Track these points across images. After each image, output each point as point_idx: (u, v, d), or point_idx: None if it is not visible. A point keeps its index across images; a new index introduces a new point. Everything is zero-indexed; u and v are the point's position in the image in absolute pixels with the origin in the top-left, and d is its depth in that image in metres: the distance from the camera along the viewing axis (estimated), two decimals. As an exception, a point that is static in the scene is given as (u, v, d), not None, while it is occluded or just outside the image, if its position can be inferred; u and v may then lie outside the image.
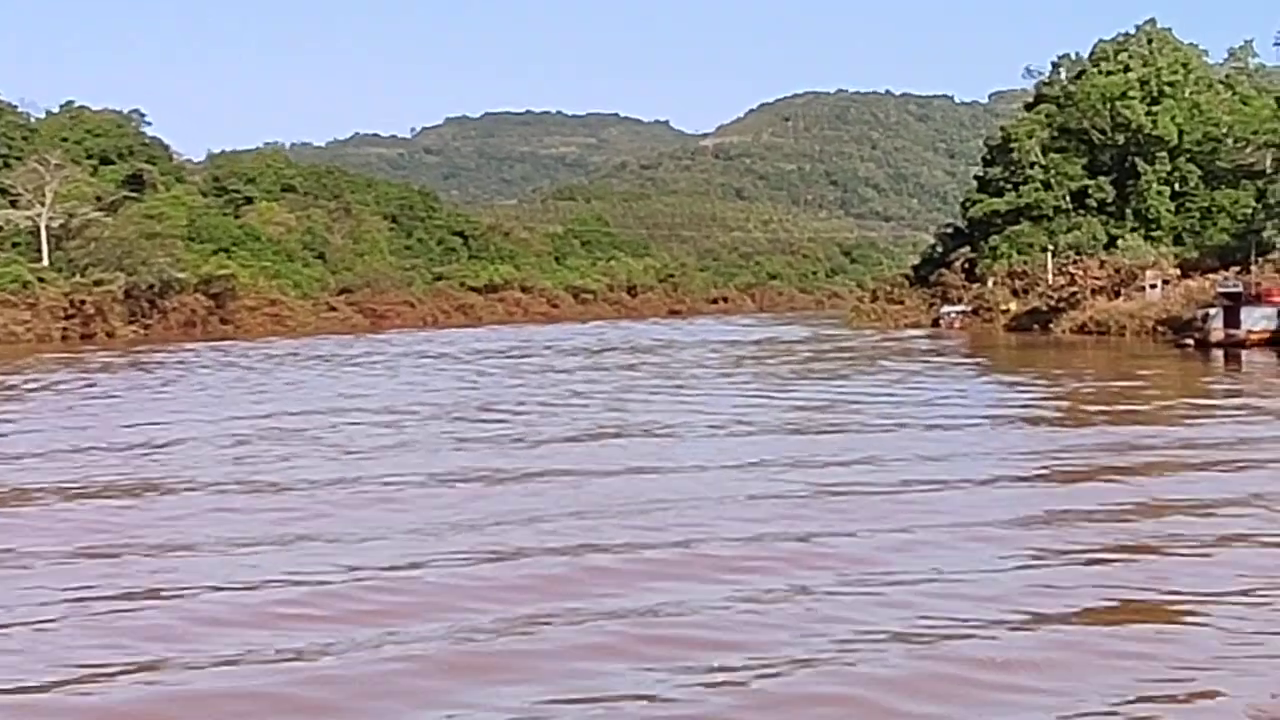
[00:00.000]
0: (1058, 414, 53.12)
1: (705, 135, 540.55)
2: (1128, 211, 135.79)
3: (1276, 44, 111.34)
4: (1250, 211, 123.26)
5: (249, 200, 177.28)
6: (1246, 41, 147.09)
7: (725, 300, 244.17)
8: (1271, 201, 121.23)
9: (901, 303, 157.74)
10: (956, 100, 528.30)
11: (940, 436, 44.71)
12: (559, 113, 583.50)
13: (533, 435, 46.56)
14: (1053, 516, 28.62)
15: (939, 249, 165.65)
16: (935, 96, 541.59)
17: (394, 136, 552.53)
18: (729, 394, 63.00)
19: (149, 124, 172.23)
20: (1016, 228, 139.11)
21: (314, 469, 38.07)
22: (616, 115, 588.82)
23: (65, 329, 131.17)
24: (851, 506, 30.92)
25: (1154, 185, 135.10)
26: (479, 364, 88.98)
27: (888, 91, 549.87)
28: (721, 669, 17.59)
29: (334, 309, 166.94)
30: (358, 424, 51.04)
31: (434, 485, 34.61)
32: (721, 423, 49.58)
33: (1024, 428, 48.65)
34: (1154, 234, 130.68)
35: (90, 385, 73.52)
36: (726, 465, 37.75)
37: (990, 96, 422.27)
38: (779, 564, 24.18)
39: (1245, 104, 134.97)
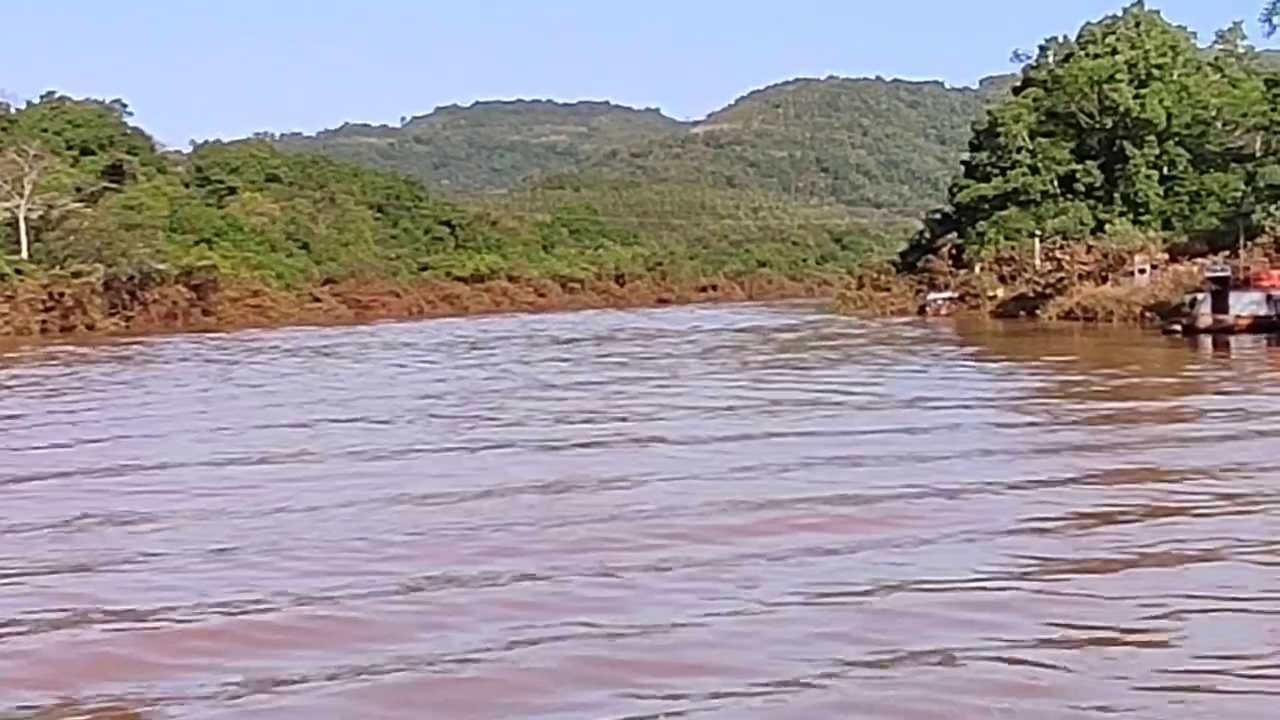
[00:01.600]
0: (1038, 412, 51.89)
1: (696, 123, 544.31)
2: (1116, 196, 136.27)
3: (1263, 21, 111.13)
4: (1239, 195, 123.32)
5: (232, 190, 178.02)
6: (1235, 23, 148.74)
7: (714, 288, 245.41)
8: (1261, 185, 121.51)
9: (888, 289, 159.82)
10: (947, 86, 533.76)
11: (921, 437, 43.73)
12: (549, 101, 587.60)
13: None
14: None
15: (926, 235, 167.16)
16: (926, 83, 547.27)
17: (384, 126, 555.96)
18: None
19: (131, 114, 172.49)
20: (1004, 213, 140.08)
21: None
22: (607, 103, 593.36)
23: (44, 321, 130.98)
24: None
25: (1142, 169, 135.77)
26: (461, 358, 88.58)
27: (878, 78, 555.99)
28: None
29: (318, 300, 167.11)
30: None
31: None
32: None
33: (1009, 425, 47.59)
34: (1142, 218, 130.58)
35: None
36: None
37: (981, 82, 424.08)
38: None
39: (1234, 87, 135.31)
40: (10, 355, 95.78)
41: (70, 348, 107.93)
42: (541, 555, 25.62)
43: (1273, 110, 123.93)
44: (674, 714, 16.57)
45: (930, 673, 18.40)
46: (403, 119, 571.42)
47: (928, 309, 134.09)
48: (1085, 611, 21.54)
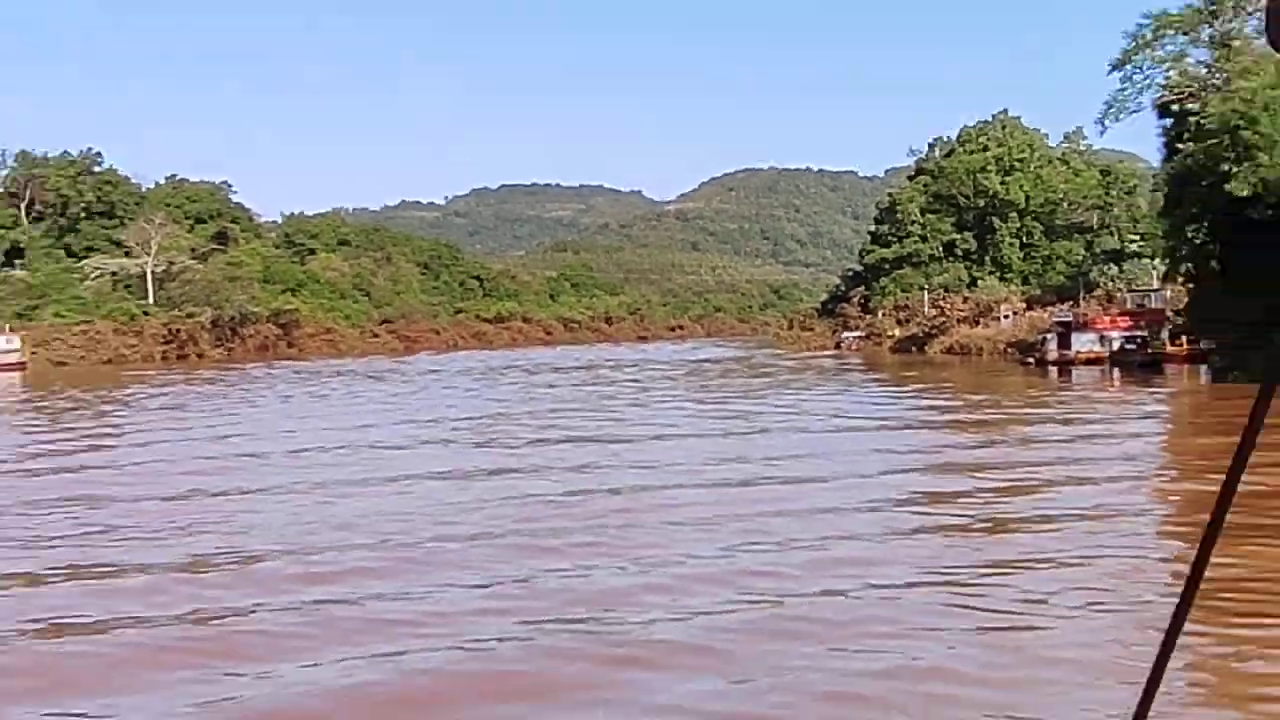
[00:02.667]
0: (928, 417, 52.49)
1: (669, 202, 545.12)
2: (986, 259, 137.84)
3: (1098, 124, 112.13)
4: (1080, 259, 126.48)
5: (312, 251, 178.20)
6: (1078, 127, 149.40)
7: (681, 328, 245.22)
8: (1097, 251, 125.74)
9: (812, 329, 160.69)
10: (860, 175, 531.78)
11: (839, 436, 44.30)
12: (557, 185, 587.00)
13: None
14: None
15: (842, 288, 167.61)
16: (844, 172, 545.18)
17: (431, 203, 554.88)
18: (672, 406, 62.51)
19: (235, 192, 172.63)
20: (900, 271, 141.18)
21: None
22: (601, 186, 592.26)
23: (165, 351, 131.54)
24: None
25: (1006, 238, 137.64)
26: (499, 387, 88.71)
27: (808, 168, 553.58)
28: None
29: (376, 335, 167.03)
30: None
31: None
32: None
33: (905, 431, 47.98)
34: (1006, 276, 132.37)
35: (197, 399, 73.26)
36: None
37: (886, 171, 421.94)
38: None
39: (1077, 175, 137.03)
40: (141, 377, 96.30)
41: (185, 372, 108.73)
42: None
43: (1105, 194, 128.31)
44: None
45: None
46: (445, 197, 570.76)
47: (842, 344, 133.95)
48: (947, 553, 22.18)
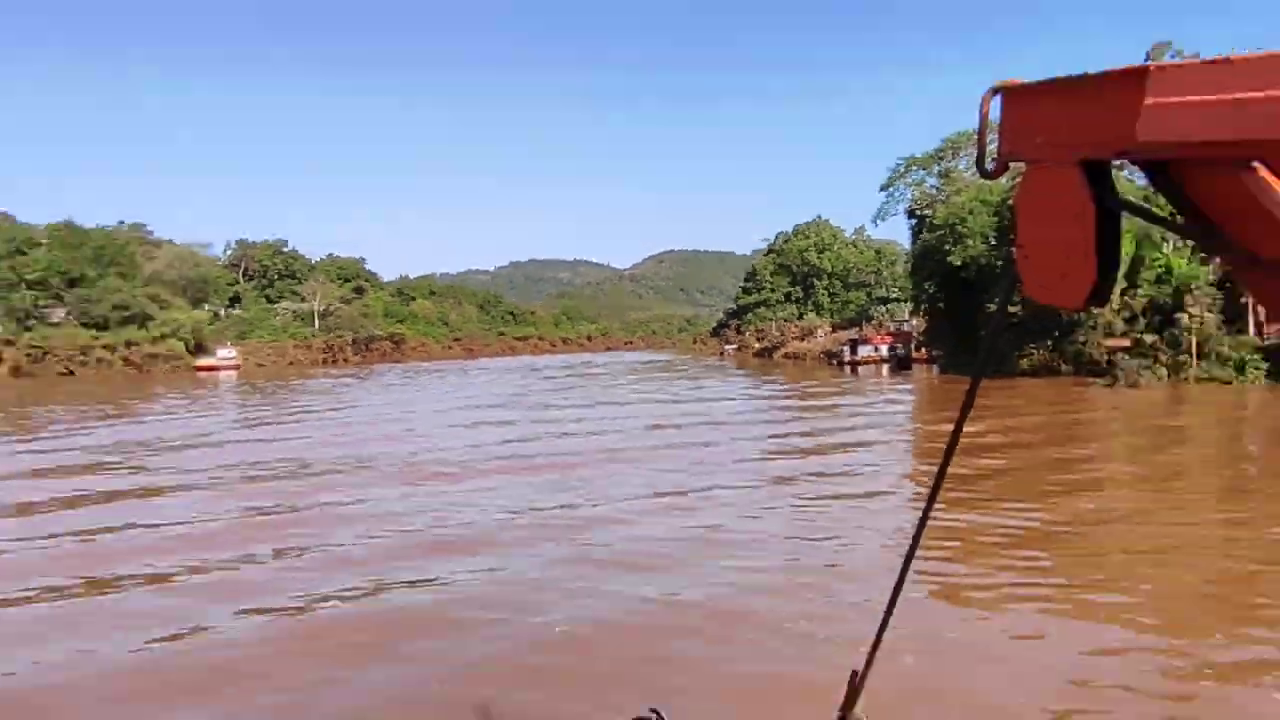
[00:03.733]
0: (775, 391, 52.84)
1: (627, 269, 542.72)
2: (809, 302, 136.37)
3: (873, 222, 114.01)
4: (864, 302, 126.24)
5: (413, 298, 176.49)
6: (861, 225, 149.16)
7: (630, 343, 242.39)
8: (873, 297, 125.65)
9: (707, 344, 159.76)
10: (737, 253, 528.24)
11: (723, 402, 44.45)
12: (562, 259, 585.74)
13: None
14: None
15: (725, 320, 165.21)
16: (728, 251, 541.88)
17: (483, 270, 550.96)
18: (630, 390, 62.41)
19: (366, 262, 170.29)
20: (758, 310, 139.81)
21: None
22: (586, 260, 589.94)
23: (324, 358, 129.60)
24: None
25: (820, 290, 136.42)
26: (528, 375, 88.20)
27: (710, 250, 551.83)
28: None
29: (450, 348, 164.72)
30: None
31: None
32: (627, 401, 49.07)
33: (760, 396, 48.44)
34: (820, 313, 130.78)
35: (358, 385, 73.15)
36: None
37: (753, 250, 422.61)
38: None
39: (861, 254, 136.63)
40: (310, 373, 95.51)
41: (337, 370, 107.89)
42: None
43: (878, 264, 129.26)
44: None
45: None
46: (495, 265, 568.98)
47: (724, 353, 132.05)
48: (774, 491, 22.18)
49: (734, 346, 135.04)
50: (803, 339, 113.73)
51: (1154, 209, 2.11)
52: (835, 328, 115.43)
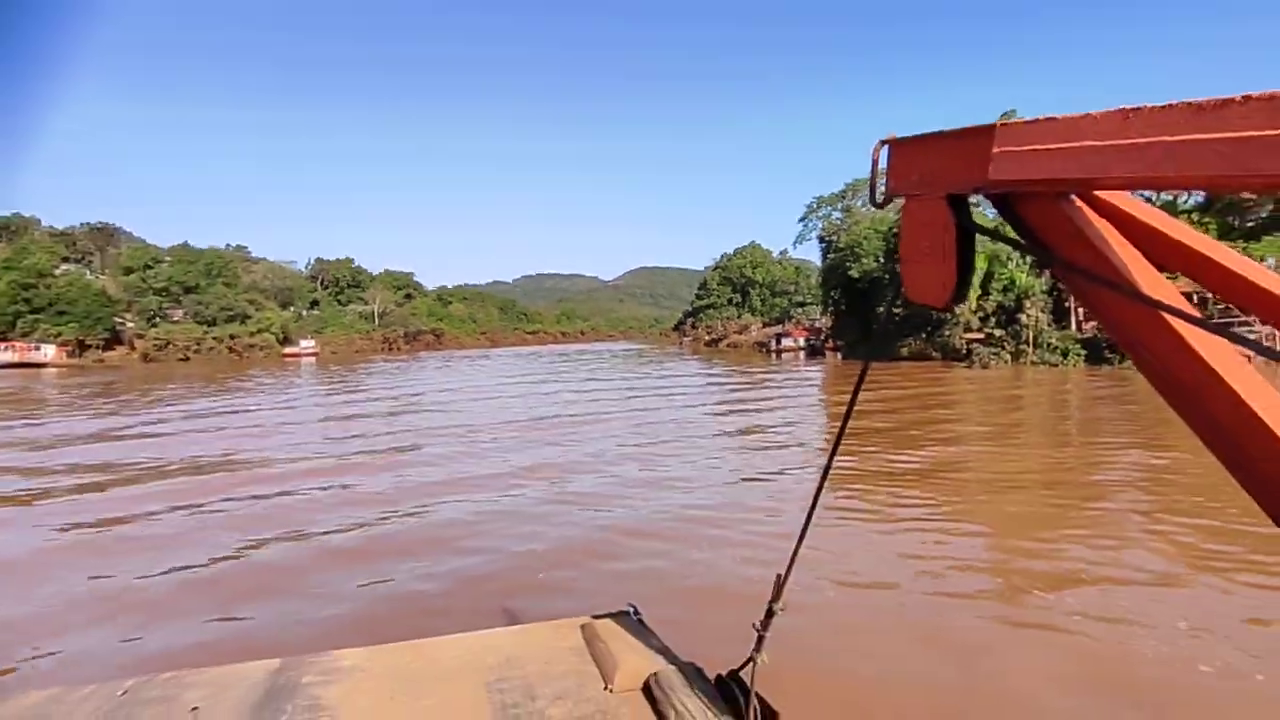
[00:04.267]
0: (719, 368, 52.88)
1: (611, 279, 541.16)
2: (745, 306, 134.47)
3: (793, 244, 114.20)
4: (786, 305, 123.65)
5: (449, 303, 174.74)
6: (785, 248, 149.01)
7: (613, 337, 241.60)
8: (794, 303, 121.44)
9: (670, 337, 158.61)
10: (693, 269, 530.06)
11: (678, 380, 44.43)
12: (560, 273, 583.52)
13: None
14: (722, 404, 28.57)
15: (684, 319, 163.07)
16: (686, 267, 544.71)
17: (502, 281, 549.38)
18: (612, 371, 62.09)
19: (414, 274, 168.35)
20: (707, 311, 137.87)
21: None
22: (582, 274, 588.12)
23: (382, 348, 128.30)
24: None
25: (754, 297, 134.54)
26: (538, 360, 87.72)
27: (672, 266, 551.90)
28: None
29: (478, 340, 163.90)
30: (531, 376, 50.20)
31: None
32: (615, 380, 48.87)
33: (707, 373, 48.45)
34: (755, 313, 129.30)
35: (412, 365, 72.21)
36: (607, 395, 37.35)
37: (705, 266, 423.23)
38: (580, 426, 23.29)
39: (785, 270, 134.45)
40: (372, 359, 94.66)
41: (391, 357, 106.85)
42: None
43: (797, 277, 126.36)
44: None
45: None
46: (512, 278, 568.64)
47: (683, 344, 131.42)
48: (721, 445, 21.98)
49: (689, 339, 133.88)
50: (740, 333, 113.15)
51: (1001, 231, 2.17)
52: (765, 324, 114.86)
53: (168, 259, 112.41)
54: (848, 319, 66.18)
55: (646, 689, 2.82)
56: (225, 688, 2.86)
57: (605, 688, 2.84)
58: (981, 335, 48.40)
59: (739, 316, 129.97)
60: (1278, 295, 1.69)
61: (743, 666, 2.85)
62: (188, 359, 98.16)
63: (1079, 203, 1.86)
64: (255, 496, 12.66)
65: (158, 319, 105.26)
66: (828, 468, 2.61)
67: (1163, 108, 1.47)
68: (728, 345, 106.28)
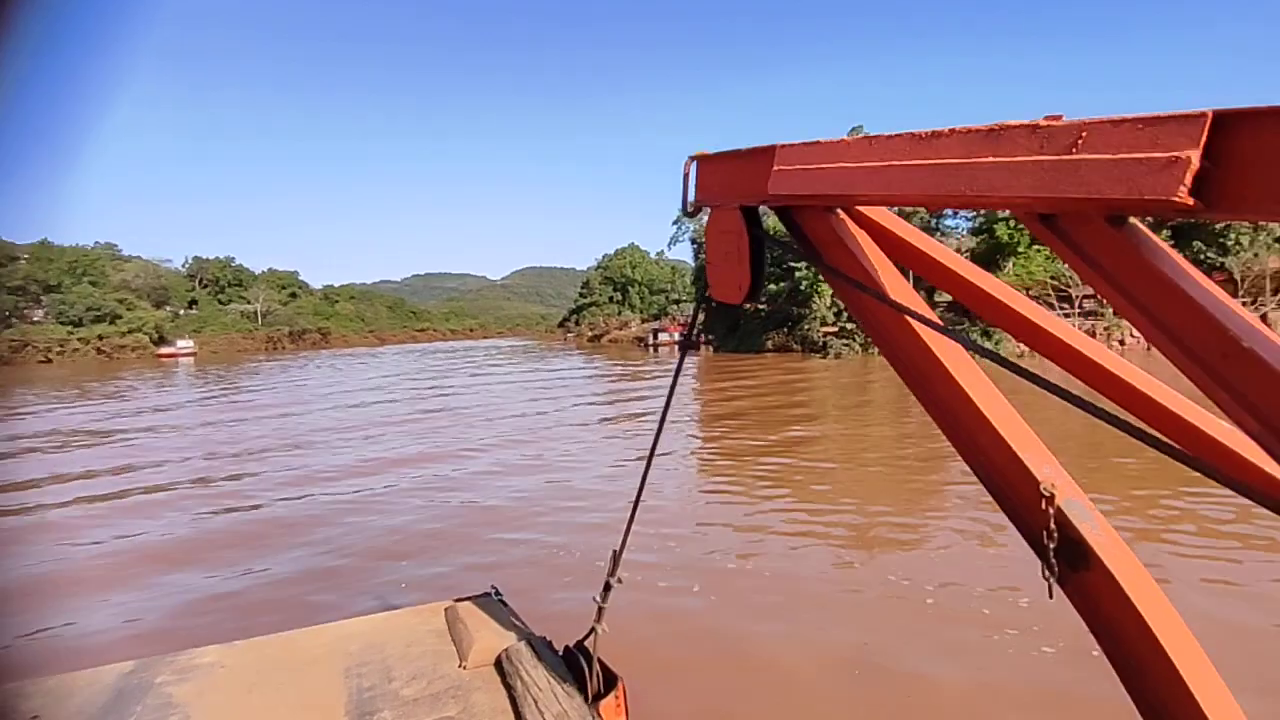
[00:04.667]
0: (602, 363, 52.71)
1: (500, 278, 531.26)
2: (625, 303, 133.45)
3: (668, 245, 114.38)
4: (661, 303, 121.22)
5: (336, 301, 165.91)
6: (661, 249, 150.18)
7: (501, 334, 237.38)
8: (669, 300, 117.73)
9: (555, 333, 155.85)
10: (578, 269, 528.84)
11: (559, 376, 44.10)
12: (450, 271, 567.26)
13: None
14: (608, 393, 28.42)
15: (569, 316, 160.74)
16: (570, 267, 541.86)
17: (393, 280, 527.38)
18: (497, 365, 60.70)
19: (298, 273, 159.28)
20: (591, 309, 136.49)
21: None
22: (471, 274, 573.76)
23: (266, 346, 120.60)
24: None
25: (634, 295, 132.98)
26: (422, 357, 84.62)
27: (557, 266, 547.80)
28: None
29: (365, 338, 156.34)
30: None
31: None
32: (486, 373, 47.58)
33: (590, 366, 47.99)
34: (634, 310, 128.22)
35: (289, 369, 67.98)
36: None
37: (586, 267, 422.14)
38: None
39: (662, 269, 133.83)
40: (253, 362, 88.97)
41: (275, 356, 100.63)
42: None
43: (672, 277, 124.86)
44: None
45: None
46: (401, 277, 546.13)
47: (567, 339, 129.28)
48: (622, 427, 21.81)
49: (574, 335, 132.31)
50: (621, 329, 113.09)
51: (789, 241, 2.33)
52: (644, 320, 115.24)
53: (25, 256, 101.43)
54: (717, 316, 67.60)
55: (498, 663, 2.90)
56: (68, 694, 2.73)
57: (459, 665, 2.91)
58: (836, 329, 50.85)
59: (620, 314, 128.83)
60: (998, 299, 1.99)
61: (586, 637, 2.92)
62: (49, 360, 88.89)
63: (843, 216, 2.03)
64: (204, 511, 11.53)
65: (14, 320, 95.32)
66: (653, 450, 2.72)
67: (895, 136, 1.62)
68: (609, 341, 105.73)
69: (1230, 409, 1.27)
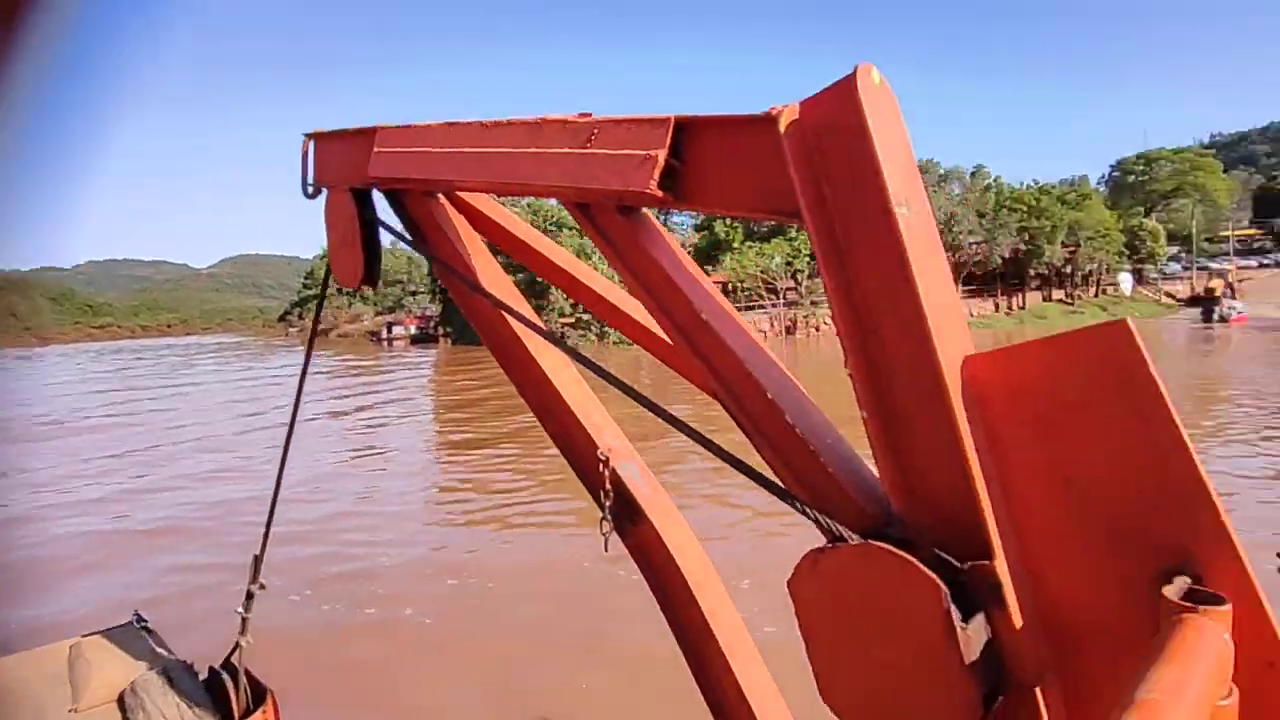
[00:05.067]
0: (332, 359, 49.25)
1: (206, 267, 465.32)
2: (357, 295, 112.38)
3: None
4: (400, 295, 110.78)
5: None
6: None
7: (208, 330, 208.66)
8: (406, 291, 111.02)
9: (275, 328, 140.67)
10: (302, 258, 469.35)
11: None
12: (140, 259, 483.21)
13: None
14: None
15: (291, 309, 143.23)
16: (297, 255, 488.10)
17: (60, 268, 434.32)
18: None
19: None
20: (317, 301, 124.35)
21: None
22: (169, 261, 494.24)
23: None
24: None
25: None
26: (99, 358, 72.32)
27: (281, 254, 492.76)
28: None
29: (20, 337, 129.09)
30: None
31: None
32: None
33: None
34: (369, 303, 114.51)
35: None
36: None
37: (312, 256, 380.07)
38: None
39: (396, 259, 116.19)
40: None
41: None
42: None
43: (409, 268, 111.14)
44: None
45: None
46: (73, 263, 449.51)
47: (289, 334, 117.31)
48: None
49: (297, 329, 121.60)
50: (352, 322, 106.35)
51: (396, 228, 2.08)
52: (378, 314, 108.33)
53: None
54: (454, 307, 66.35)
55: (120, 700, 2.69)
56: None
57: (69, 710, 2.67)
58: (573, 320, 52.55)
59: (350, 306, 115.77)
60: (580, 281, 2.19)
61: (231, 654, 2.79)
62: None
63: (444, 201, 2.05)
64: None
65: None
66: (286, 447, 2.64)
67: (470, 123, 1.67)
68: (339, 335, 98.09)
69: (704, 374, 1.44)
